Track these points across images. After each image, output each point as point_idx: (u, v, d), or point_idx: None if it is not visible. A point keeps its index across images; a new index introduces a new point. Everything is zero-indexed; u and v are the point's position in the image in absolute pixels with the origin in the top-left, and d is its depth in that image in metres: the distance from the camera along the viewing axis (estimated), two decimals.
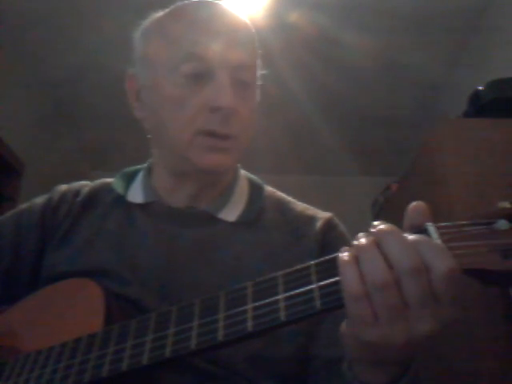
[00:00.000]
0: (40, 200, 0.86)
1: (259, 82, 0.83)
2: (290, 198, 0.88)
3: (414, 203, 0.49)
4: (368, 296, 0.44)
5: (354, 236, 0.49)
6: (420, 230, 0.47)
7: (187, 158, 0.75)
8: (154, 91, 0.77)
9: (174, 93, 0.74)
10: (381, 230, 0.46)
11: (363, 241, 0.46)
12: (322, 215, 0.82)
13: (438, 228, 0.46)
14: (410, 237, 0.45)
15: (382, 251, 0.45)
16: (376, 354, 0.47)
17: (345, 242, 0.50)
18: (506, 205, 0.47)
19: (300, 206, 0.86)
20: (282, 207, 0.84)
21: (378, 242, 0.45)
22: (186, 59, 0.73)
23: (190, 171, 0.77)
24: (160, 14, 0.82)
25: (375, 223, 0.47)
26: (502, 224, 0.45)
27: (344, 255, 0.46)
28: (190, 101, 0.73)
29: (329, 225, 0.80)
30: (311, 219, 0.81)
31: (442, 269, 0.42)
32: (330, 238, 0.78)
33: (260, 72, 0.83)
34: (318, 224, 0.80)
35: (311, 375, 0.71)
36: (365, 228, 0.49)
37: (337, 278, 0.46)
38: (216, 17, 0.77)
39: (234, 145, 0.75)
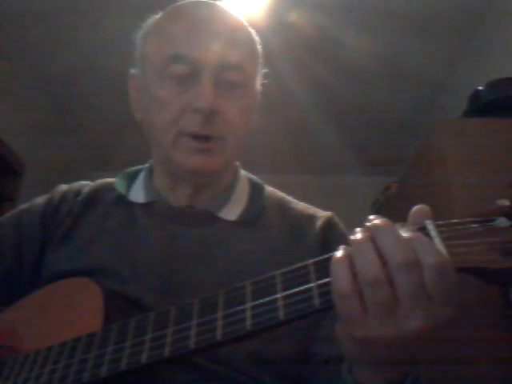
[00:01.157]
0: (41, 200, 0.87)
1: (259, 82, 0.83)
2: (290, 198, 0.88)
3: (417, 206, 0.49)
4: (357, 293, 0.44)
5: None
6: (419, 227, 0.47)
7: (172, 160, 0.75)
8: (147, 92, 0.78)
9: (161, 94, 0.75)
10: (375, 225, 0.46)
11: (358, 236, 0.46)
12: (323, 214, 0.83)
13: (437, 226, 0.46)
14: (404, 233, 0.45)
15: (375, 246, 0.45)
16: (369, 352, 0.47)
17: (345, 241, 0.50)
18: (505, 202, 0.47)
19: (300, 205, 0.86)
20: (282, 206, 0.84)
21: (372, 236, 0.45)
22: (173, 60, 0.74)
23: (180, 172, 0.77)
24: (159, 14, 0.82)
25: (371, 217, 0.47)
26: (502, 222, 0.45)
27: (338, 253, 0.47)
28: (175, 102, 0.74)
29: (329, 224, 0.81)
30: (311, 218, 0.81)
31: (431, 263, 0.42)
32: (331, 237, 0.78)
33: (260, 72, 0.83)
34: (319, 223, 0.80)
35: (311, 373, 0.71)
36: None
37: None
38: (209, 17, 0.77)
39: (219, 145, 0.75)
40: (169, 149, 0.75)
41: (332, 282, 0.45)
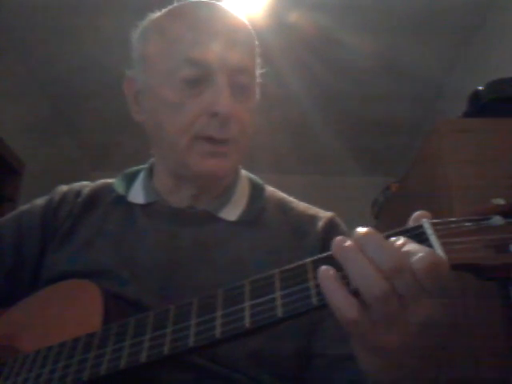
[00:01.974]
0: (40, 201, 0.86)
1: (258, 81, 0.83)
2: (290, 198, 0.88)
3: (417, 212, 0.49)
4: (366, 314, 0.44)
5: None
6: (415, 226, 0.48)
7: (186, 164, 0.75)
8: (153, 94, 0.77)
9: (172, 97, 0.74)
10: (359, 236, 0.46)
11: (347, 247, 0.46)
12: (324, 214, 0.83)
13: (433, 224, 0.47)
14: (391, 239, 0.46)
15: (368, 258, 0.45)
16: (390, 360, 0.47)
17: None
18: (500, 201, 0.48)
19: (301, 205, 0.86)
20: (283, 207, 0.84)
21: (360, 247, 0.46)
22: (184, 64, 0.73)
23: (189, 175, 0.77)
24: (159, 13, 0.82)
25: (356, 229, 0.48)
26: (497, 220, 0.46)
27: (327, 280, 0.45)
28: (189, 105, 0.73)
29: (330, 224, 0.80)
30: (313, 218, 0.81)
31: (421, 266, 0.43)
32: (332, 238, 0.77)
33: (259, 71, 0.83)
34: (320, 223, 0.80)
35: (312, 373, 0.71)
36: None
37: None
38: (215, 18, 0.76)
39: (232, 148, 0.75)
40: (183, 152, 0.74)
41: (337, 313, 0.44)
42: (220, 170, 0.75)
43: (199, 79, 0.73)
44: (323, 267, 0.46)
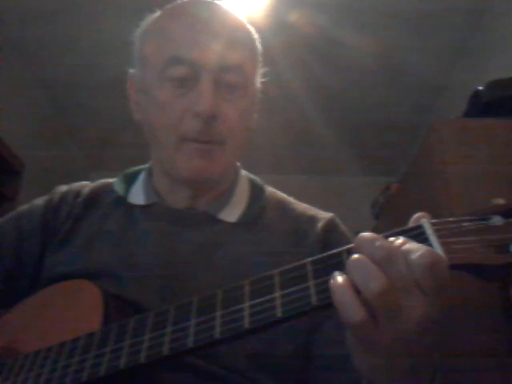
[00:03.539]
0: (40, 201, 0.86)
1: (258, 81, 0.83)
2: (290, 199, 0.88)
3: (417, 213, 0.49)
4: (371, 315, 0.44)
5: (355, 236, 0.49)
6: (415, 226, 0.47)
7: (173, 166, 0.75)
8: (146, 93, 0.77)
9: (161, 96, 0.74)
10: (356, 239, 0.46)
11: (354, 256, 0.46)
12: (324, 215, 0.82)
13: (433, 224, 0.47)
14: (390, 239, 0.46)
15: (364, 253, 0.45)
16: (387, 359, 0.47)
17: (346, 242, 0.50)
18: (500, 201, 0.48)
19: (301, 206, 0.86)
20: (283, 207, 0.84)
21: (359, 249, 0.46)
22: (171, 62, 0.73)
23: (178, 177, 0.77)
24: (158, 13, 0.82)
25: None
26: (497, 220, 0.46)
27: (337, 279, 0.45)
28: (175, 106, 0.73)
29: (330, 225, 0.80)
30: (312, 219, 0.81)
31: (421, 263, 0.42)
32: (332, 238, 0.78)
33: (259, 70, 0.83)
34: (320, 224, 0.79)
35: (312, 374, 0.71)
36: (365, 228, 0.49)
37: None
38: (207, 18, 0.76)
39: (218, 149, 0.74)
40: (171, 152, 0.74)
41: (344, 315, 0.44)
42: (205, 172, 0.74)
43: (186, 78, 0.73)
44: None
